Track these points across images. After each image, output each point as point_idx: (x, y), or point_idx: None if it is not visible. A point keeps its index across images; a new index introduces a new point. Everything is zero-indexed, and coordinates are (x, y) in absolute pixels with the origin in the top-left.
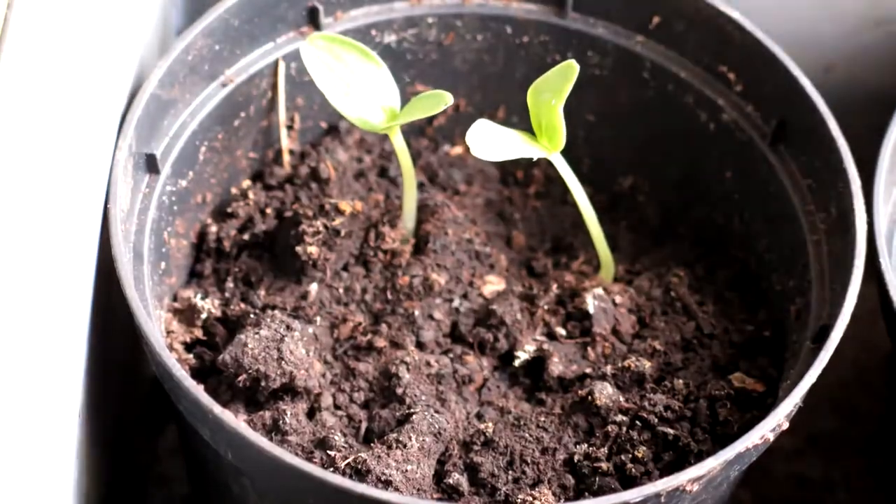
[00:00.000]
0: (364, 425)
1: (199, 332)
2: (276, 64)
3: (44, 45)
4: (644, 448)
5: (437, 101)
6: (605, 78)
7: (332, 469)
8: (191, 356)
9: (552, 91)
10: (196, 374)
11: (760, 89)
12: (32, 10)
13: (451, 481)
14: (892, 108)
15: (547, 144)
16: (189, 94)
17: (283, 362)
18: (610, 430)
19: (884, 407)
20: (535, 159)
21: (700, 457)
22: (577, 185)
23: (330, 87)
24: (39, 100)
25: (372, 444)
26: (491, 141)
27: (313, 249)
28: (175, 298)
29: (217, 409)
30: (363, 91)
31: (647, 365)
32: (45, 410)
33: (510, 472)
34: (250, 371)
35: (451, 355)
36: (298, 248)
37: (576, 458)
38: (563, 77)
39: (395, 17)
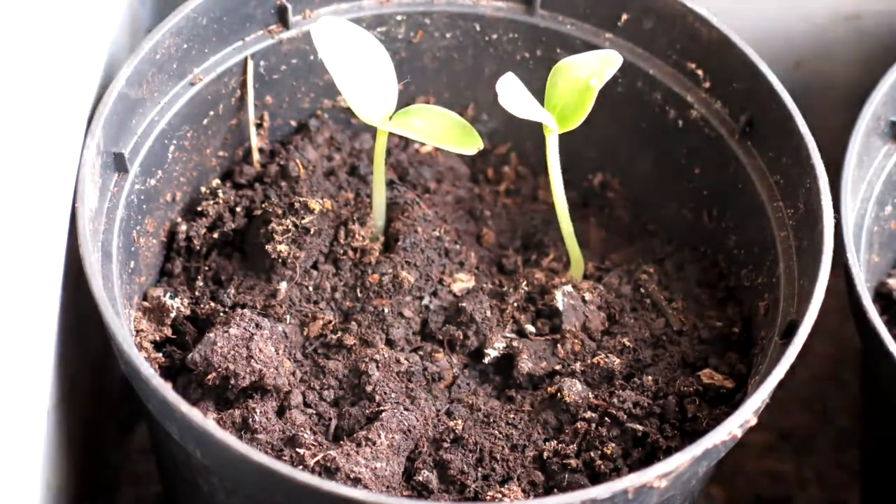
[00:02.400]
0: (334, 423)
1: (168, 331)
2: (244, 62)
3: (9, 44)
4: (613, 445)
5: (464, 138)
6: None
7: (301, 467)
8: (160, 355)
9: (592, 71)
10: (166, 372)
11: (729, 86)
12: None
13: (420, 478)
14: (860, 104)
15: (556, 121)
16: (157, 92)
17: (252, 361)
18: (579, 426)
19: (855, 402)
20: (507, 155)
21: (669, 453)
22: (558, 174)
23: (339, 71)
24: (5, 98)
25: (341, 442)
26: (517, 95)
27: (283, 248)
28: (145, 297)
29: (185, 407)
30: (368, 81)
31: (616, 362)
32: (12, 409)
33: (480, 469)
34: (220, 369)
35: (420, 353)
36: (268, 247)
37: (545, 454)
38: (605, 62)
39: (363, 14)
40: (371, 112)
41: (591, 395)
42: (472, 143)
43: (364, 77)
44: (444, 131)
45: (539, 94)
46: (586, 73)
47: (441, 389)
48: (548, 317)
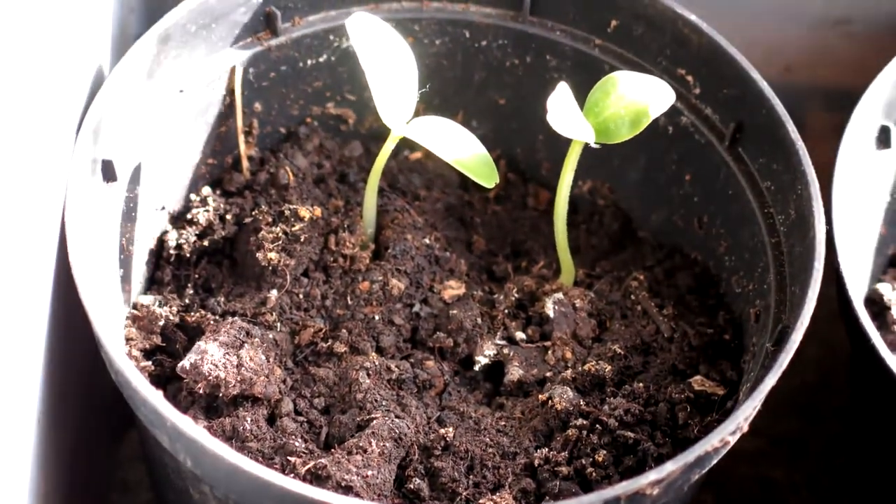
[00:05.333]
0: (324, 431)
1: (158, 339)
2: (233, 69)
3: None
4: (604, 452)
5: (486, 169)
6: (564, 81)
7: (292, 475)
8: (150, 363)
9: (649, 99)
10: (156, 381)
11: (718, 92)
12: None
13: (411, 486)
14: (850, 108)
15: (595, 131)
16: (146, 99)
17: (242, 369)
18: (570, 434)
19: (846, 407)
20: (497, 162)
21: (660, 460)
22: (569, 183)
23: (371, 67)
24: None
25: (332, 450)
26: (565, 114)
27: (273, 255)
28: (134, 305)
29: (175, 416)
30: (396, 82)
31: (606, 369)
32: (1, 417)
33: (471, 476)
34: (210, 378)
35: (411, 360)
36: (258, 255)
37: (536, 462)
38: (661, 94)
39: None
40: (393, 114)
41: (581, 403)
42: (492, 176)
43: (392, 77)
44: (466, 156)
45: (530, 100)
46: (644, 99)
47: (432, 397)
48: (538, 324)
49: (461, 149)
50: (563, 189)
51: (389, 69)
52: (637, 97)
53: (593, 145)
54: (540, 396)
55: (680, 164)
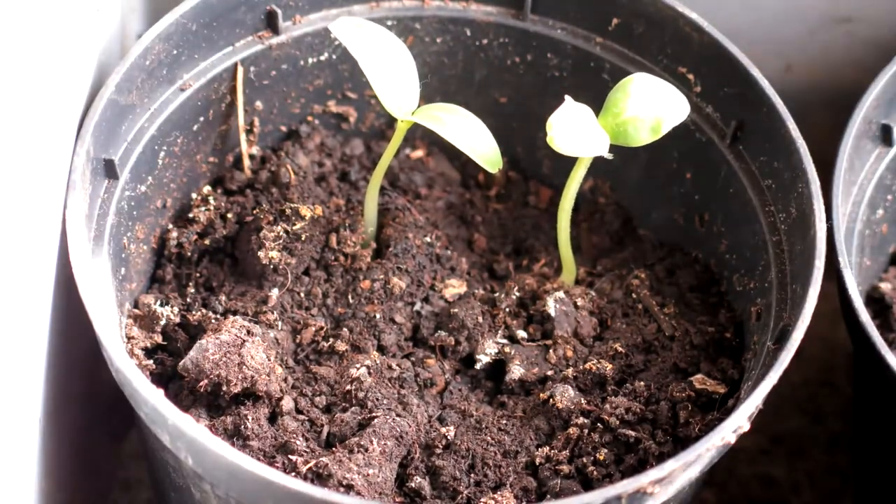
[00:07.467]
0: (326, 429)
1: (159, 338)
2: (234, 68)
3: None
4: (605, 450)
5: (490, 153)
6: (565, 80)
7: (293, 474)
8: (151, 362)
9: (665, 112)
10: (157, 379)
11: (719, 90)
12: None
13: (412, 485)
14: (851, 107)
15: (611, 135)
16: (147, 98)
17: (243, 367)
18: (571, 432)
19: (847, 406)
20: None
21: (661, 459)
22: (577, 185)
23: (367, 61)
24: None
25: (333, 449)
26: (574, 131)
27: (274, 254)
28: (136, 304)
29: (176, 414)
30: (395, 73)
31: (608, 367)
32: (4, 416)
33: (472, 475)
34: (211, 376)
35: (412, 359)
36: (260, 253)
37: (537, 460)
38: (675, 108)
39: None
40: (397, 103)
41: (583, 401)
42: (496, 162)
43: (389, 68)
44: (472, 139)
45: (531, 98)
46: (659, 112)
47: (433, 395)
48: (539, 322)
49: (468, 131)
50: (572, 188)
51: (385, 61)
52: (654, 110)
53: (607, 156)
54: (541, 395)
55: (681, 162)
